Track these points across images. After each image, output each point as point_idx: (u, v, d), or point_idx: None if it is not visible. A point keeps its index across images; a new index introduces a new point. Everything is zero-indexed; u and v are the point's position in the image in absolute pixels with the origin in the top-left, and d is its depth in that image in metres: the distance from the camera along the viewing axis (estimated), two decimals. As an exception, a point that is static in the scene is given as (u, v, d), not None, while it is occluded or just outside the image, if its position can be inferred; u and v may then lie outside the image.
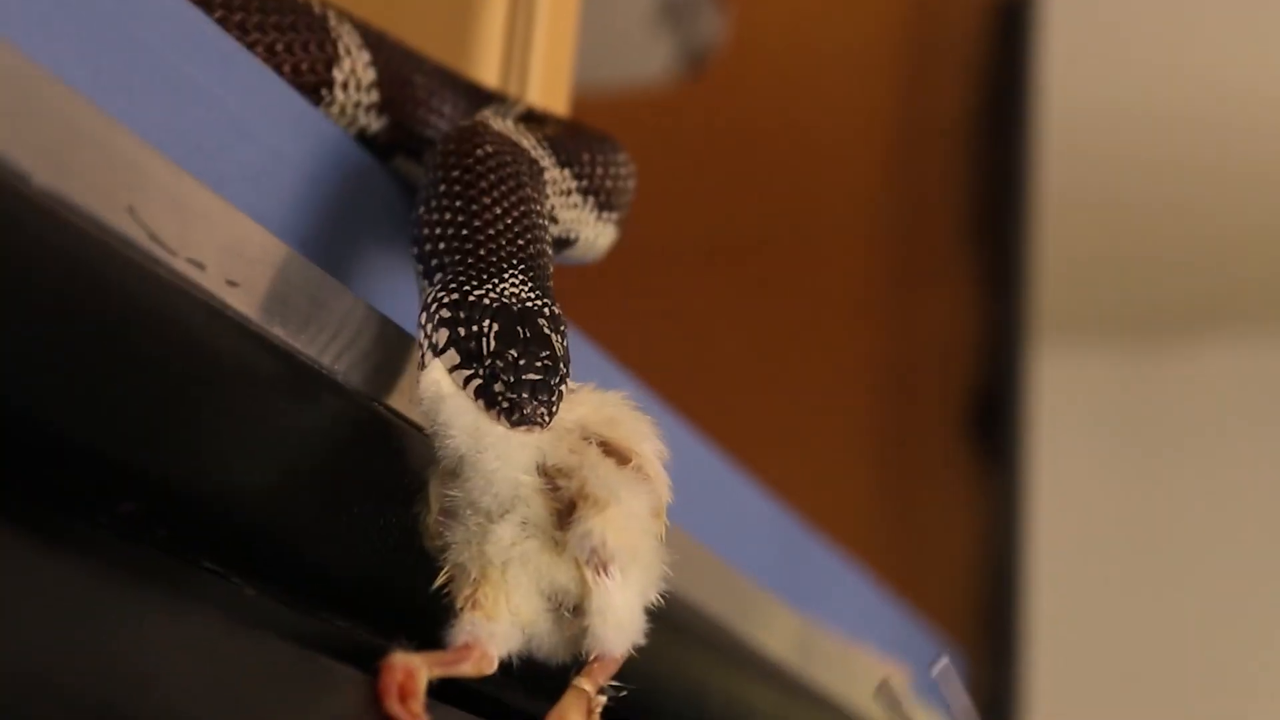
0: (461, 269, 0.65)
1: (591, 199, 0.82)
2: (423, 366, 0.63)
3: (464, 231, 0.66)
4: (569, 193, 0.81)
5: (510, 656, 0.62)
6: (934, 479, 2.17)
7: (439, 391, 0.61)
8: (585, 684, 0.61)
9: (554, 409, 0.62)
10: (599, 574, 0.61)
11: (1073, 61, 2.59)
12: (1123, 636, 3.46)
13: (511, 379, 0.61)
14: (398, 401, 0.68)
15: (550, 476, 0.62)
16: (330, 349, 0.65)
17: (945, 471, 2.16)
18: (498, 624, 0.61)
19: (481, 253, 0.65)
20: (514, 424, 0.61)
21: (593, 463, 0.62)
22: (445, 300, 0.63)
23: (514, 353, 0.62)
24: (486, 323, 0.62)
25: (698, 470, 1.17)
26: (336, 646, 0.59)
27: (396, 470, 0.65)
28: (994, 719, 2.05)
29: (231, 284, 0.60)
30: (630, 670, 0.89)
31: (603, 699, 0.62)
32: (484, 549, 0.61)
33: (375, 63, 0.80)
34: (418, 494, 0.63)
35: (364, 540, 0.64)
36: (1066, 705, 3.14)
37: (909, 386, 2.21)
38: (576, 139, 0.83)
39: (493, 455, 0.61)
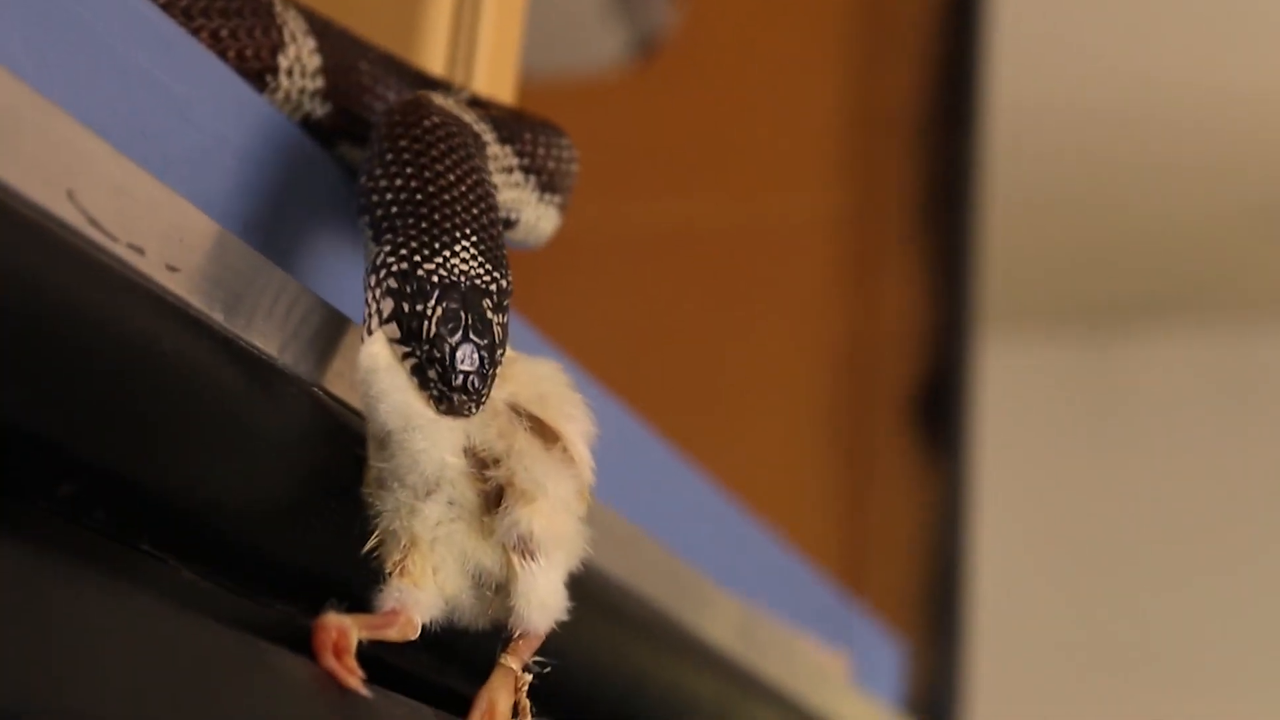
0: (414, 234, 0.65)
1: (534, 178, 0.82)
2: (368, 330, 0.63)
3: (417, 196, 0.66)
4: (510, 170, 0.81)
5: (432, 624, 0.63)
6: (881, 467, 2.18)
7: (375, 364, 0.62)
8: (511, 662, 0.63)
9: (485, 398, 0.62)
10: (525, 560, 0.62)
11: (1021, 57, 2.61)
12: (1065, 625, 3.49)
13: (447, 367, 0.62)
14: (338, 387, 0.68)
15: (479, 460, 0.63)
16: (271, 335, 0.66)
17: (892, 459, 2.17)
18: (424, 592, 0.62)
19: (436, 217, 0.65)
20: (442, 413, 0.62)
21: (520, 450, 0.63)
22: (394, 269, 0.64)
23: (453, 341, 0.62)
24: (431, 303, 0.63)
25: (641, 457, 1.17)
26: (275, 630, 0.60)
27: (337, 456, 0.66)
28: (936, 706, 2.06)
29: (171, 269, 0.60)
30: (570, 659, 0.90)
31: (528, 676, 0.63)
32: (412, 523, 0.62)
33: (321, 49, 0.80)
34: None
35: (303, 525, 0.65)
36: (1008, 693, 3.16)
37: (857, 375, 2.22)
38: (518, 120, 0.83)
39: (420, 436, 0.62)
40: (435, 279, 0.63)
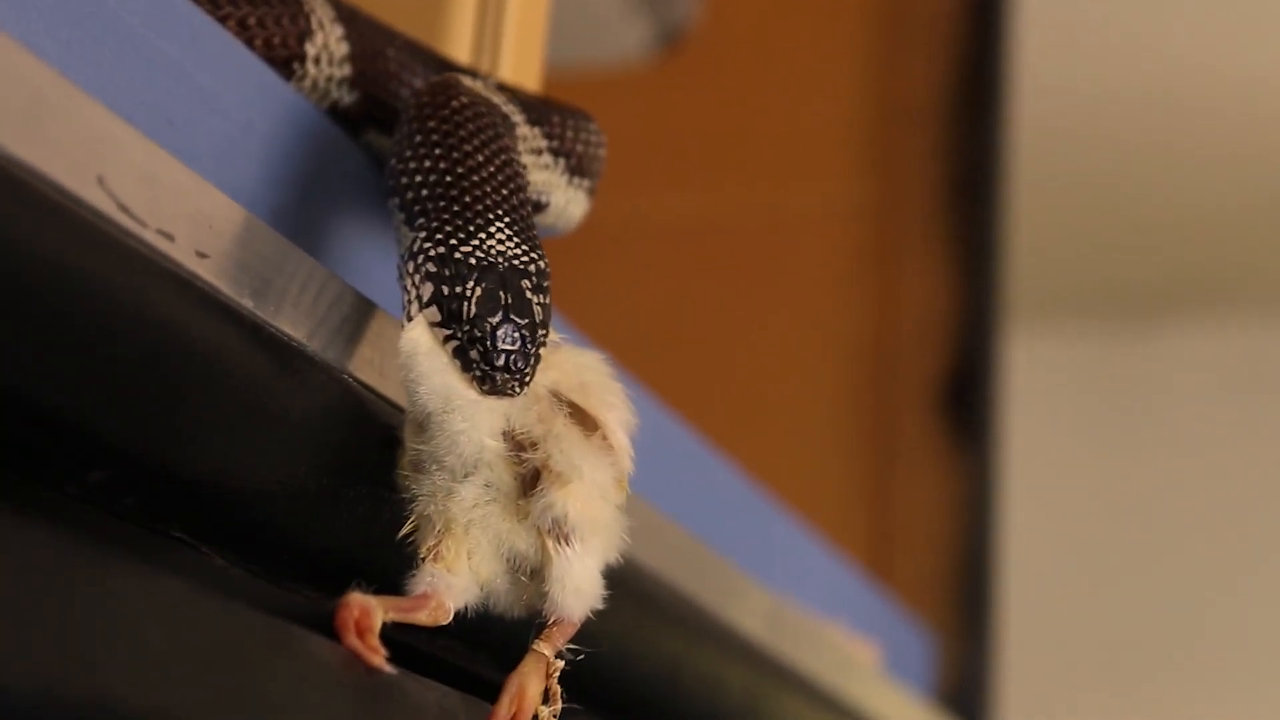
0: (448, 218, 0.65)
1: (563, 161, 0.82)
2: (408, 316, 0.63)
3: (447, 179, 0.66)
4: (540, 152, 0.81)
5: (466, 610, 0.63)
6: (907, 458, 2.17)
7: (416, 348, 0.62)
8: (544, 648, 0.62)
9: (528, 378, 0.62)
10: (560, 544, 0.62)
11: (1045, 40, 2.59)
12: (1094, 615, 3.48)
13: (488, 347, 0.61)
14: (367, 374, 0.68)
15: (516, 443, 0.62)
16: (300, 321, 0.65)
17: (918, 450, 2.17)
18: (457, 577, 0.62)
19: (467, 200, 0.65)
20: (486, 393, 0.61)
21: (558, 434, 0.63)
22: (432, 253, 0.64)
23: (493, 320, 0.62)
24: (470, 284, 0.62)
25: (670, 448, 1.17)
26: (304, 615, 0.60)
27: (365, 441, 0.65)
28: (966, 697, 2.06)
29: (201, 255, 0.60)
30: (602, 647, 0.89)
31: (560, 663, 0.63)
32: (447, 506, 0.62)
33: (348, 37, 0.80)
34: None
35: (331, 510, 0.65)
36: (1038, 684, 3.15)
37: (882, 366, 2.22)
38: (546, 104, 0.83)
39: (460, 417, 0.61)
40: (473, 261, 0.63)
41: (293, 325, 0.65)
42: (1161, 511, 3.51)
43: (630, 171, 2.30)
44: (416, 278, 0.63)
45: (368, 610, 0.59)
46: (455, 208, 0.65)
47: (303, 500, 0.63)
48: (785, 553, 1.39)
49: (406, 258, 0.65)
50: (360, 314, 0.70)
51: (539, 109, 0.81)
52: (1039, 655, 3.18)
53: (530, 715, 0.60)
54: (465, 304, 0.62)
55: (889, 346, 2.23)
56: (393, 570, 0.63)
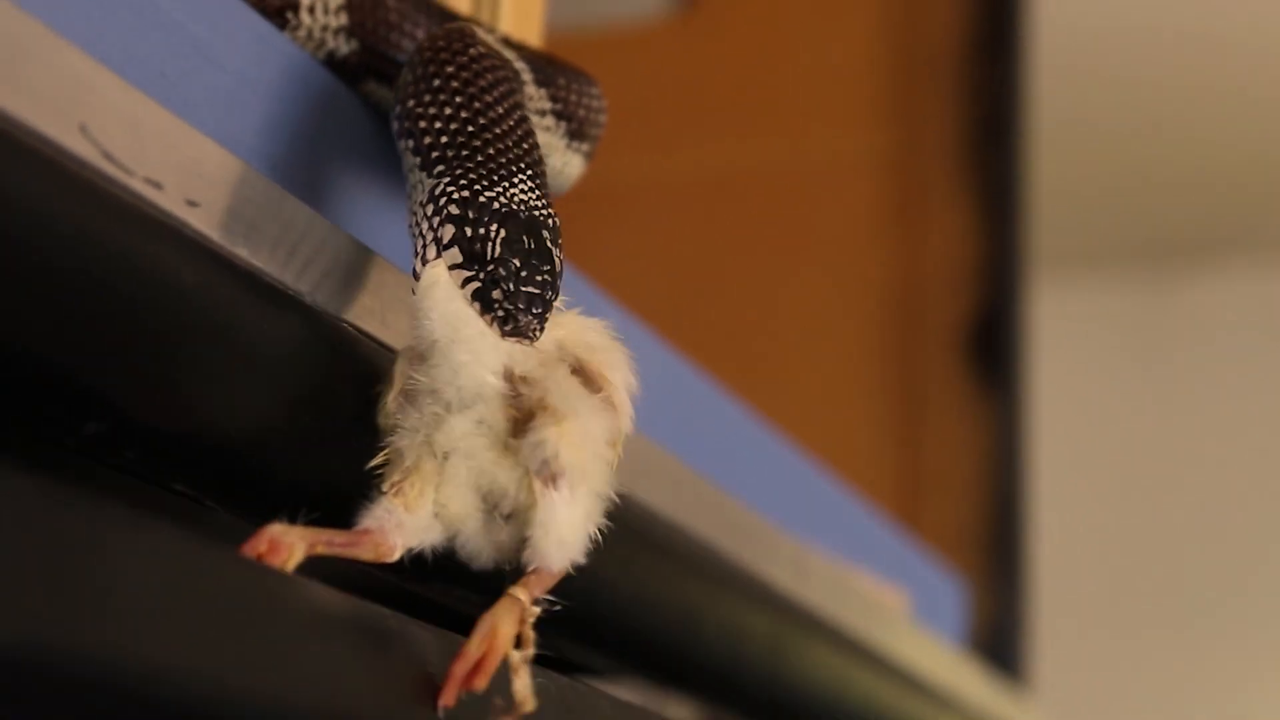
0: (471, 165, 0.65)
1: (564, 124, 0.82)
2: (422, 260, 0.63)
3: (469, 128, 0.66)
4: (543, 113, 0.81)
5: (427, 551, 0.62)
6: (935, 406, 2.16)
7: (435, 281, 0.61)
8: (520, 594, 0.61)
9: (545, 324, 0.62)
10: (547, 486, 0.61)
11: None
12: (1124, 560, 3.47)
13: (511, 288, 0.61)
14: (364, 320, 0.68)
15: (516, 385, 0.62)
16: (294, 268, 0.65)
17: (946, 398, 2.16)
18: (412, 516, 0.61)
19: (491, 151, 0.65)
20: (506, 334, 0.61)
21: (558, 378, 0.62)
22: (455, 197, 0.63)
23: (516, 262, 0.62)
24: (494, 227, 0.62)
25: (694, 398, 1.17)
26: (308, 566, 0.59)
27: (365, 392, 0.65)
28: (998, 645, 2.05)
29: (191, 204, 0.59)
30: (626, 596, 0.89)
31: (537, 610, 0.62)
32: (432, 437, 0.61)
33: (343, -15, 0.80)
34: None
35: (334, 459, 0.64)
36: (1070, 629, 3.15)
37: (909, 314, 2.21)
38: (552, 64, 0.83)
39: (465, 349, 0.61)
40: (496, 206, 0.63)
41: (288, 274, 0.65)
42: (1190, 457, 3.50)
43: (652, 127, 2.29)
44: (435, 220, 0.63)
45: (277, 545, 0.57)
46: (479, 156, 0.65)
47: (302, 449, 0.63)
48: (811, 501, 1.38)
49: (425, 202, 0.64)
50: (359, 262, 0.69)
51: (545, 69, 0.81)
52: (1069, 601, 3.17)
53: (500, 656, 0.59)
54: (490, 245, 0.62)
55: (915, 295, 2.22)
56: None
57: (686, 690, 1.04)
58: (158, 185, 0.57)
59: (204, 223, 0.60)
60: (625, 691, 0.94)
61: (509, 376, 0.62)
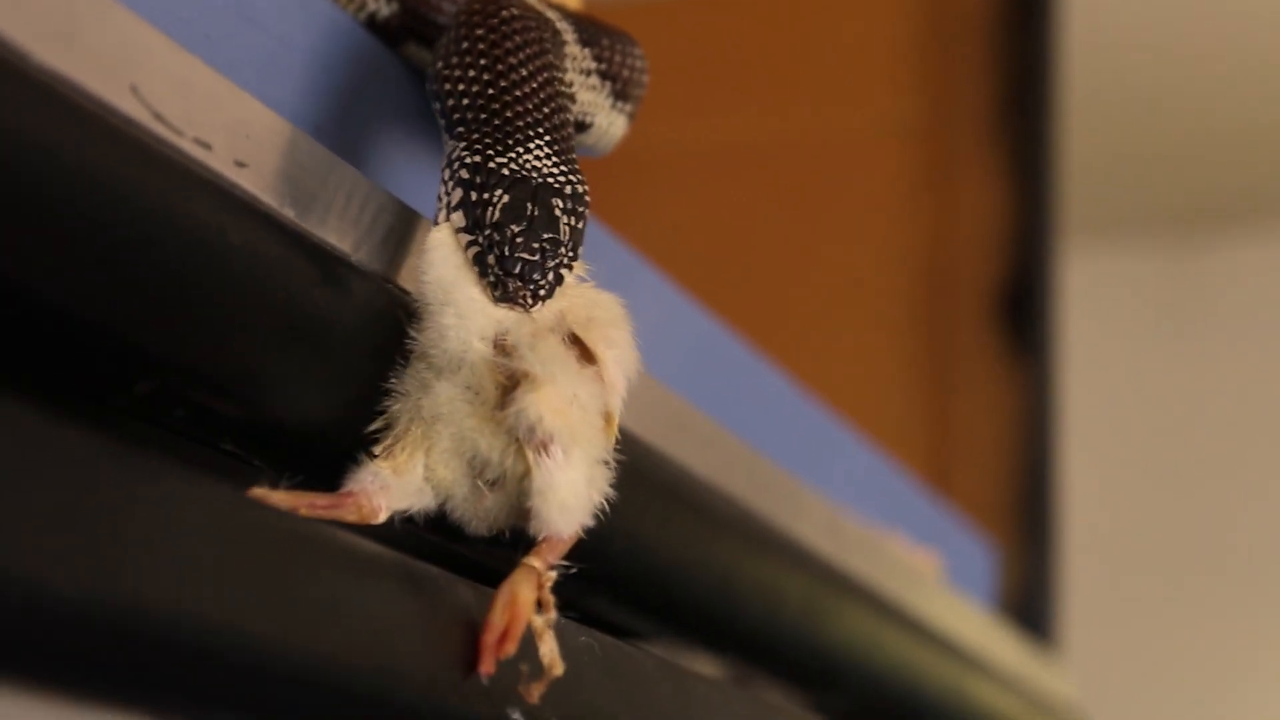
0: (488, 130, 0.65)
1: (609, 84, 0.82)
2: (434, 222, 0.64)
3: (490, 91, 0.66)
4: (588, 73, 0.81)
5: (415, 515, 0.63)
6: (965, 373, 2.17)
7: (438, 244, 0.62)
8: (534, 561, 0.61)
9: (543, 293, 0.62)
10: (540, 453, 0.61)
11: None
12: (1154, 525, 3.47)
13: (505, 253, 0.61)
14: (412, 283, 0.68)
15: (505, 354, 0.62)
16: (344, 231, 0.65)
17: (976, 365, 2.16)
18: (401, 479, 0.61)
19: (509, 115, 0.66)
20: (498, 300, 0.61)
21: (546, 348, 0.62)
22: (467, 160, 0.64)
23: (514, 228, 0.62)
24: (498, 192, 0.63)
25: (727, 361, 1.17)
26: (353, 524, 0.60)
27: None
28: (1029, 610, 2.05)
29: (240, 165, 0.60)
30: (660, 557, 0.89)
31: (553, 575, 0.62)
32: (420, 401, 0.62)
33: (383, -52, 0.80)
34: None
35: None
36: (1100, 593, 3.15)
37: (939, 281, 2.21)
38: (596, 25, 0.83)
39: (453, 312, 0.61)
40: (505, 172, 0.63)
41: (337, 235, 0.65)
42: (1220, 422, 3.49)
43: (684, 96, 2.29)
44: (450, 184, 0.64)
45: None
46: (496, 121, 0.65)
47: (347, 409, 0.63)
48: (844, 464, 1.39)
49: (444, 165, 0.65)
50: (405, 224, 0.70)
51: (589, 29, 0.81)
52: (1099, 566, 3.17)
53: (524, 621, 0.59)
54: (490, 210, 0.62)
55: (945, 262, 2.22)
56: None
57: (720, 651, 1.04)
58: (207, 146, 0.58)
59: (253, 183, 0.60)
60: (660, 652, 0.94)
61: (499, 344, 0.62)
